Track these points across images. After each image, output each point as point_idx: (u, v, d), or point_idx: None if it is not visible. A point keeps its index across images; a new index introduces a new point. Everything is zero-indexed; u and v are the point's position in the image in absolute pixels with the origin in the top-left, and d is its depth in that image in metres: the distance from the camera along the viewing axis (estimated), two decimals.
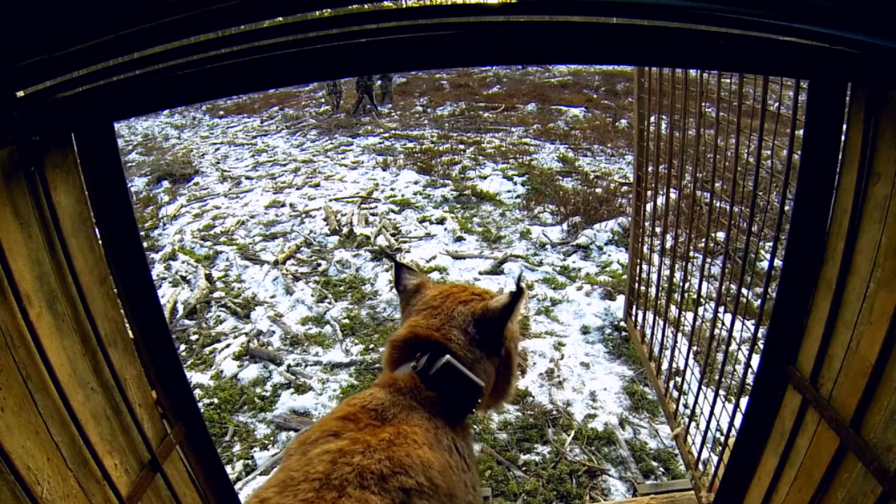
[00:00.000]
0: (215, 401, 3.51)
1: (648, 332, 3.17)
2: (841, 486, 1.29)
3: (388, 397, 1.16)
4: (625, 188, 6.68)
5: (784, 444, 1.52)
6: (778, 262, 1.55)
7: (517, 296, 1.29)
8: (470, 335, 1.29)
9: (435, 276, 4.99)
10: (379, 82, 12.74)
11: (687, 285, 2.54)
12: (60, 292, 1.19)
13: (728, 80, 1.96)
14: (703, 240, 2.37)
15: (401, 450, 1.01)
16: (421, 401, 1.18)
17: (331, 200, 7.01)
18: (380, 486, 0.94)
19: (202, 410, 2.70)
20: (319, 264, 5.38)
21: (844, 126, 1.29)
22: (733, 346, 2.71)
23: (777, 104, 1.66)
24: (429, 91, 13.74)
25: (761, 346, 1.62)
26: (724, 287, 2.17)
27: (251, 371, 3.78)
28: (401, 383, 1.20)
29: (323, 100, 13.55)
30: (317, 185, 7.72)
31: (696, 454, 2.35)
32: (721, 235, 3.87)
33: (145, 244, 5.73)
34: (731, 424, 1.99)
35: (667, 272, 2.79)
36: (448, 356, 1.21)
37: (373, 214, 6.51)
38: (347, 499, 0.91)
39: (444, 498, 1.02)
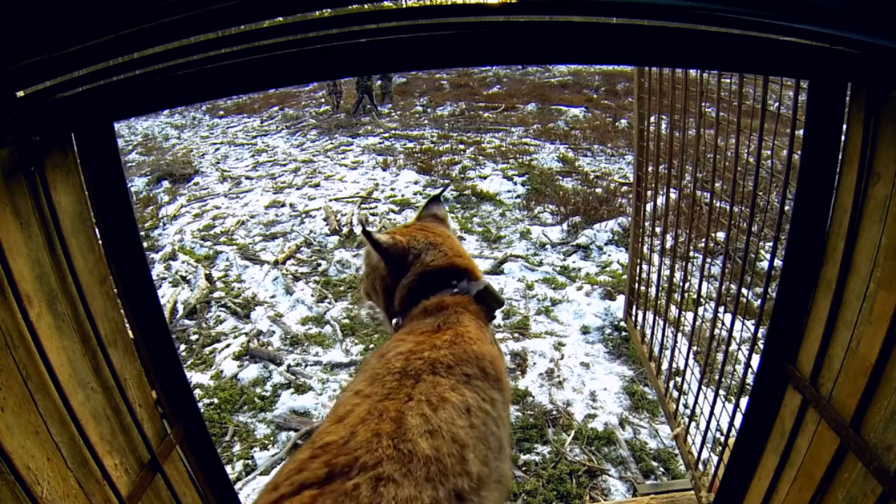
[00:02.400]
0: (215, 401, 3.51)
1: (648, 332, 3.17)
2: (841, 486, 1.29)
3: (434, 317, 1.41)
4: (625, 188, 6.68)
5: (784, 444, 1.52)
6: (778, 262, 1.55)
7: (438, 197, 1.87)
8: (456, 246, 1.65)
9: None
10: (379, 82, 12.73)
11: (687, 285, 2.54)
12: (60, 292, 1.19)
13: (728, 80, 1.96)
14: (703, 240, 2.37)
15: (459, 347, 1.27)
16: (469, 310, 1.45)
17: (331, 200, 7.01)
18: (448, 372, 1.20)
19: (202, 410, 2.70)
20: (319, 264, 5.38)
21: (844, 126, 1.29)
22: (733, 346, 2.71)
23: (777, 104, 1.66)
24: (429, 91, 13.73)
25: (761, 346, 1.62)
26: (724, 287, 2.17)
27: (251, 371, 3.78)
28: (448, 300, 1.46)
29: (323, 100, 13.54)
30: (317, 185, 7.72)
31: (696, 454, 2.35)
32: (721, 235, 3.87)
33: (145, 244, 5.73)
34: (731, 424, 1.99)
35: (667, 272, 2.78)
36: (485, 280, 1.54)
37: (373, 214, 6.51)
38: (423, 382, 1.15)
39: (493, 381, 1.27)
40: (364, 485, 0.93)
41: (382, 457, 0.98)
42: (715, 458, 2.15)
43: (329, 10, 1.01)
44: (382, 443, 1.00)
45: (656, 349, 2.94)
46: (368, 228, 1.57)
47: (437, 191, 1.65)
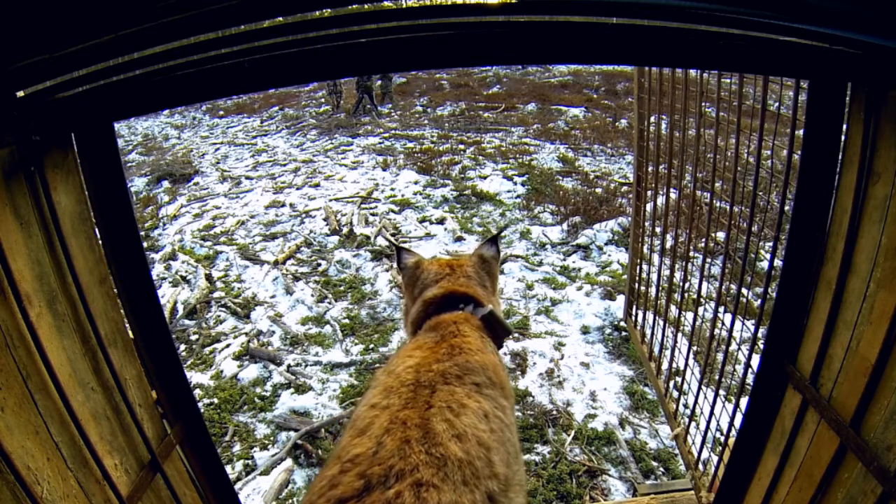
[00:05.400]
0: (215, 401, 3.51)
1: (648, 332, 3.17)
2: (841, 486, 1.29)
3: (436, 331, 1.46)
4: (625, 188, 6.68)
5: (784, 444, 1.52)
6: (778, 262, 1.55)
7: (497, 236, 1.86)
8: (482, 282, 1.71)
9: None
10: (379, 82, 12.73)
11: (687, 285, 2.54)
12: (60, 292, 1.19)
13: (728, 80, 1.96)
14: (703, 240, 2.37)
15: (462, 357, 1.31)
16: (470, 323, 1.50)
17: (331, 200, 7.01)
18: (459, 382, 1.23)
19: (202, 410, 2.70)
20: (319, 264, 5.38)
21: (844, 126, 1.29)
22: (733, 346, 2.71)
23: (777, 104, 1.66)
24: (429, 91, 13.74)
25: (761, 346, 1.62)
26: (724, 287, 2.17)
27: (251, 371, 3.78)
28: (448, 317, 1.51)
29: (323, 100, 13.54)
30: (317, 185, 7.72)
31: (696, 454, 2.35)
32: (721, 235, 3.87)
33: (145, 244, 5.73)
34: (731, 424, 1.99)
35: (667, 272, 2.78)
36: (490, 306, 1.58)
37: (373, 214, 6.51)
38: (440, 392, 1.17)
39: (498, 389, 1.32)
40: (406, 491, 0.91)
41: (418, 462, 0.97)
42: (715, 458, 2.15)
43: (329, 10, 1.00)
44: (414, 449, 1.00)
45: (656, 349, 2.94)
46: (401, 245, 1.81)
47: (496, 232, 1.77)
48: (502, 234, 1.95)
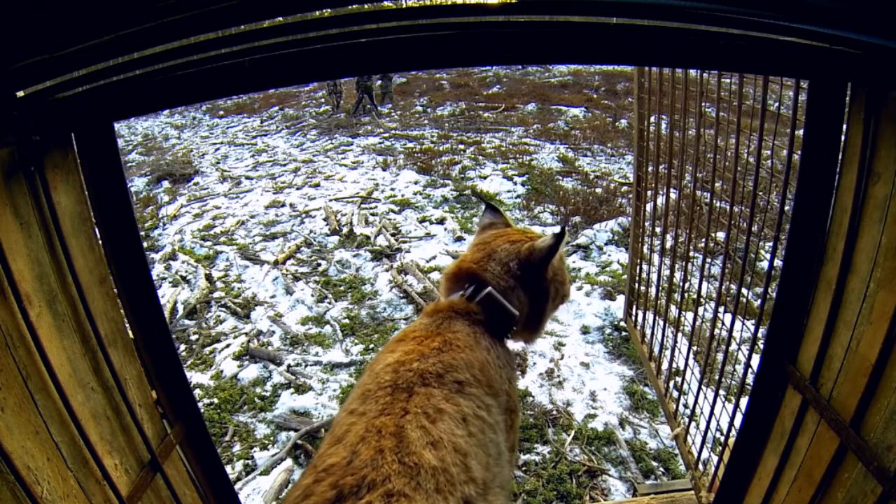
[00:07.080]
0: (215, 401, 3.51)
1: (648, 332, 3.17)
2: (841, 486, 1.29)
3: (430, 319, 1.41)
4: (625, 188, 6.68)
5: (784, 444, 1.52)
6: (778, 262, 1.55)
7: (560, 237, 1.46)
8: (511, 270, 1.49)
9: (435, 276, 4.99)
10: (379, 82, 12.74)
11: (687, 285, 2.54)
12: (60, 292, 1.19)
13: (728, 80, 1.96)
14: (703, 240, 2.37)
15: (448, 355, 1.27)
16: (463, 313, 1.42)
17: (331, 200, 7.01)
18: (439, 382, 1.19)
19: (202, 410, 2.70)
20: (319, 264, 5.38)
21: (844, 126, 1.29)
22: (733, 346, 2.70)
23: (777, 104, 1.66)
24: (429, 91, 13.74)
25: (761, 346, 1.62)
26: (724, 287, 2.17)
27: (251, 371, 3.78)
28: (443, 304, 1.46)
29: (323, 100, 13.55)
30: (317, 185, 7.72)
31: (696, 454, 2.35)
32: (721, 235, 3.87)
33: (145, 244, 5.73)
34: (731, 424, 1.99)
35: (667, 272, 2.78)
36: (490, 288, 1.45)
37: (373, 214, 6.51)
38: (417, 395, 1.14)
39: (486, 388, 1.27)
40: (377, 501, 0.91)
41: (390, 472, 0.97)
42: (715, 458, 2.15)
43: (329, 10, 1.01)
44: (387, 458, 0.99)
45: (656, 349, 2.94)
46: (493, 204, 1.68)
47: (565, 227, 1.52)
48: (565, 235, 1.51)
